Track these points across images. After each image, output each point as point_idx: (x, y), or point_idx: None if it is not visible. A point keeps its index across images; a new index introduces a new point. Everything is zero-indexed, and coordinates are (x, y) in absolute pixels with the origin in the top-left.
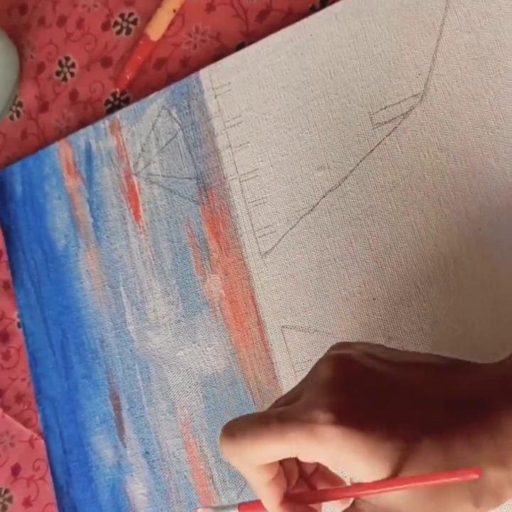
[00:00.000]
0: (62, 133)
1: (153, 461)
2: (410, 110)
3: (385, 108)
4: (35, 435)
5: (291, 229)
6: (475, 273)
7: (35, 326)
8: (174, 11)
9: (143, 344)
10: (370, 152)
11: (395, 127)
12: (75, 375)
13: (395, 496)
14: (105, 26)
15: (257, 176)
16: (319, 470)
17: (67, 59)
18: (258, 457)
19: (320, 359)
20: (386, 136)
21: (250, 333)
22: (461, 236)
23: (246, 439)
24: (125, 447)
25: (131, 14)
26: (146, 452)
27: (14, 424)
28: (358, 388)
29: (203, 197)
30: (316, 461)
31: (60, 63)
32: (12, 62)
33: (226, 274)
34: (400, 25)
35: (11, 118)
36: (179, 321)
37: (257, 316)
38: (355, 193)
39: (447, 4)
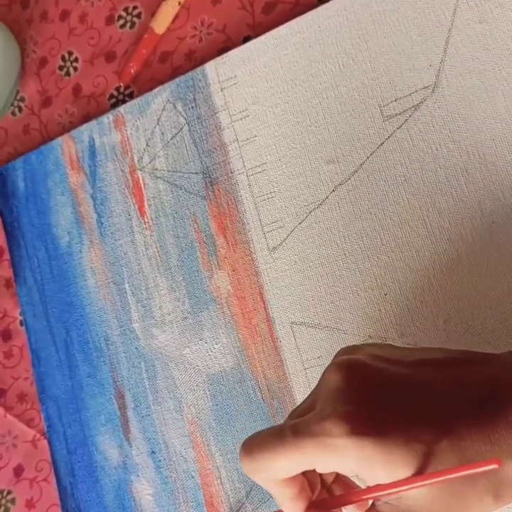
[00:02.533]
0: (66, 128)
1: (160, 460)
2: (421, 102)
3: (395, 100)
4: (38, 435)
5: (300, 224)
6: (488, 267)
7: (38, 324)
8: (179, 3)
9: (148, 342)
10: (381, 145)
11: (406, 120)
12: (80, 373)
13: (415, 495)
14: (109, 20)
15: (264, 170)
16: (339, 478)
17: (70, 53)
18: (277, 472)
19: (328, 366)
20: (397, 128)
21: (259, 329)
22: (474, 230)
23: (264, 455)
24: (131, 447)
25: (135, 8)
26: (153, 452)
27: (17, 424)
28: (371, 393)
29: (210, 192)
30: (334, 471)
31: (63, 58)
32: (14, 57)
33: (234, 270)
34: (411, 16)
35: (13, 113)
36: (186, 318)
37: (266, 312)
38: (366, 187)
39: None
